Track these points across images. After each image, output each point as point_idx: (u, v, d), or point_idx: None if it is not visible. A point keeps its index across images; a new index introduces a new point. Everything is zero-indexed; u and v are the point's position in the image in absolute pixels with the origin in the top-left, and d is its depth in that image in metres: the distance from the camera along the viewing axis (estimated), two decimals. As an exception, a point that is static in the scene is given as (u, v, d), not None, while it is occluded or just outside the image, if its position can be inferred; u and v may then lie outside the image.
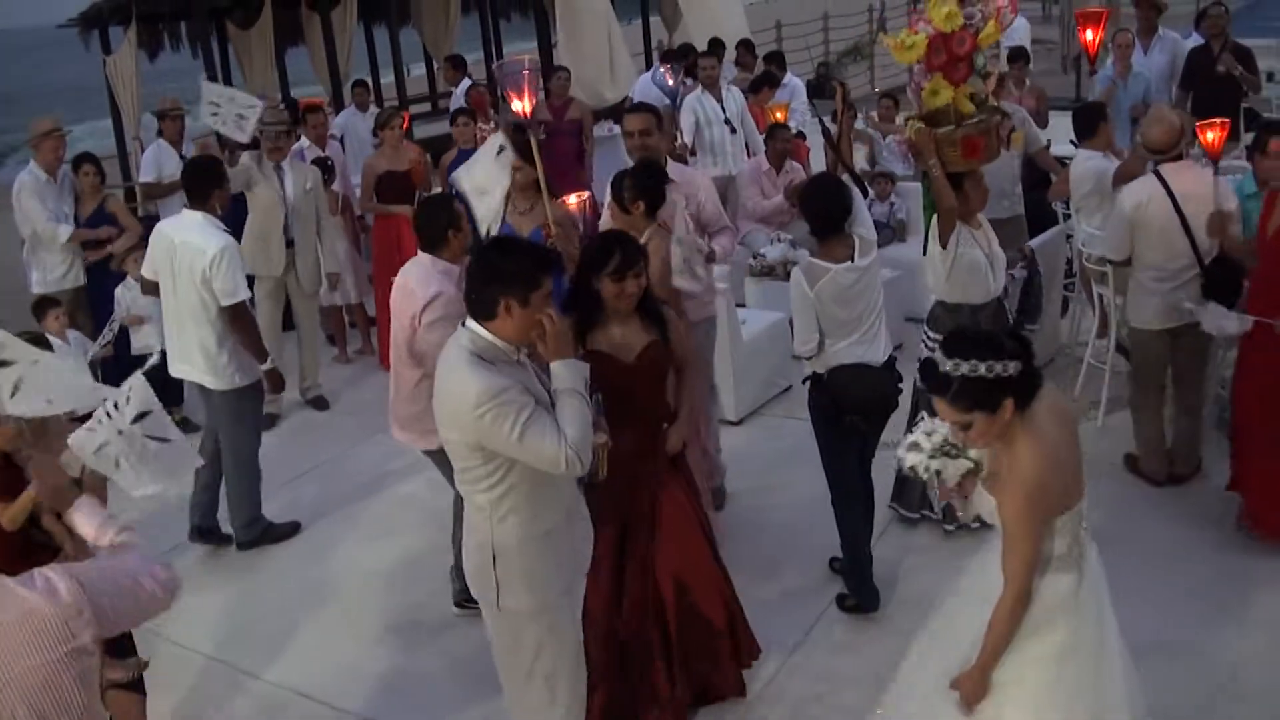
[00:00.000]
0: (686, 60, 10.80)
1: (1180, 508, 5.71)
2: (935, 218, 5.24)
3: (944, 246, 5.22)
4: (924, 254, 5.51)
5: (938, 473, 3.35)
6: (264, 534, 6.19)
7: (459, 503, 5.40)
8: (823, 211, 4.85)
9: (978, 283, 5.28)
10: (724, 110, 9.50)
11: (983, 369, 3.10)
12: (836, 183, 4.96)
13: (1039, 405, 3.21)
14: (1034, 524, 3.17)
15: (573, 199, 5.01)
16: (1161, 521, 5.60)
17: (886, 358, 4.96)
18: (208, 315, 5.78)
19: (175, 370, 6.04)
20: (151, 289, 6.14)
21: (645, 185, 5.13)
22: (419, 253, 5.04)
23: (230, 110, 7.59)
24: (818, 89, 11.17)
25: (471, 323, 3.48)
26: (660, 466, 4.43)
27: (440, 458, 5.07)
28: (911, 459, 3.41)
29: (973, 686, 3.32)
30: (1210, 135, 5.89)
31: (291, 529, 6.32)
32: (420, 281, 4.90)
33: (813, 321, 4.82)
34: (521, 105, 5.25)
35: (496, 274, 3.42)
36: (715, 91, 9.59)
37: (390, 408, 5.22)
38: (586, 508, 3.92)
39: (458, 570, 5.15)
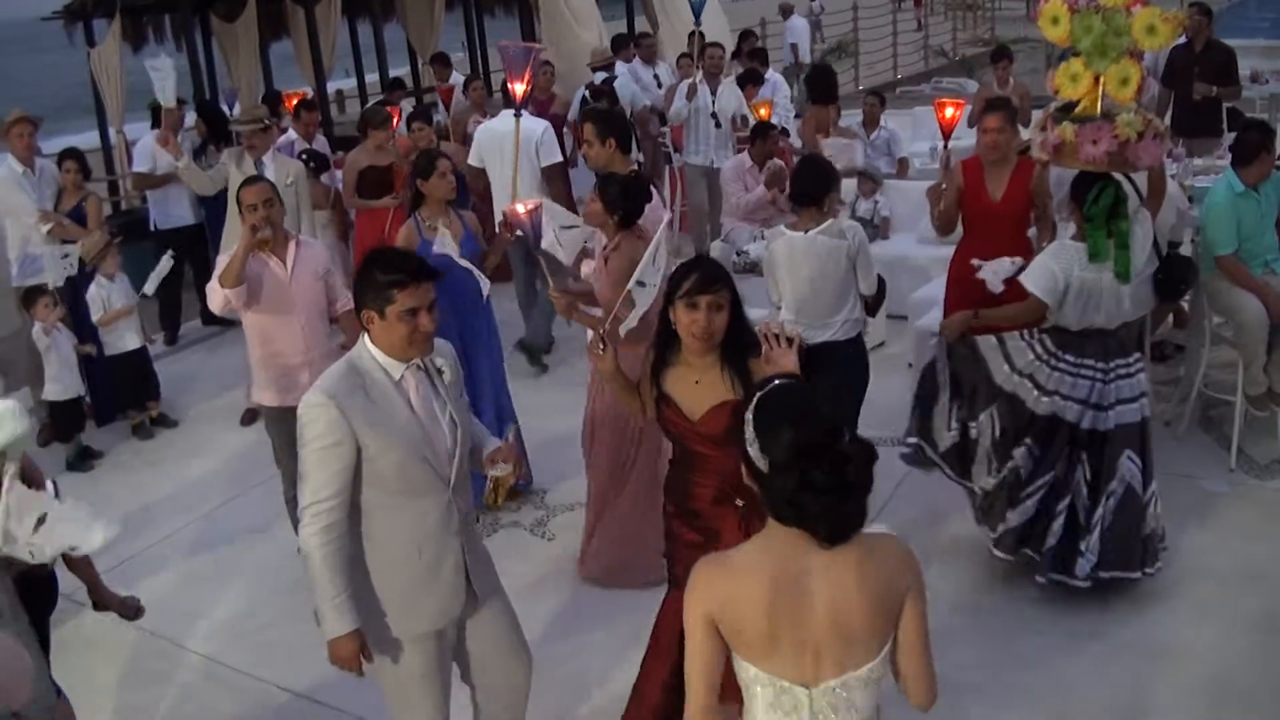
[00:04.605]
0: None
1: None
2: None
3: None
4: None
5: None
6: None
7: None
8: (801, 182, 5.36)
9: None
10: (713, 103, 9.51)
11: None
12: (825, 165, 5.40)
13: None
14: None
15: (521, 208, 4.85)
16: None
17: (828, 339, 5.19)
18: (535, 181, 7.71)
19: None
20: (479, 174, 8.09)
21: (614, 198, 5.07)
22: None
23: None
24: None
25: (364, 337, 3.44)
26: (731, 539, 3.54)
27: None
28: None
29: None
30: (949, 112, 6.15)
31: None
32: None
33: (773, 283, 5.38)
34: (519, 88, 5.42)
35: (358, 286, 3.35)
36: (713, 83, 9.57)
37: None
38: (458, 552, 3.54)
39: None
